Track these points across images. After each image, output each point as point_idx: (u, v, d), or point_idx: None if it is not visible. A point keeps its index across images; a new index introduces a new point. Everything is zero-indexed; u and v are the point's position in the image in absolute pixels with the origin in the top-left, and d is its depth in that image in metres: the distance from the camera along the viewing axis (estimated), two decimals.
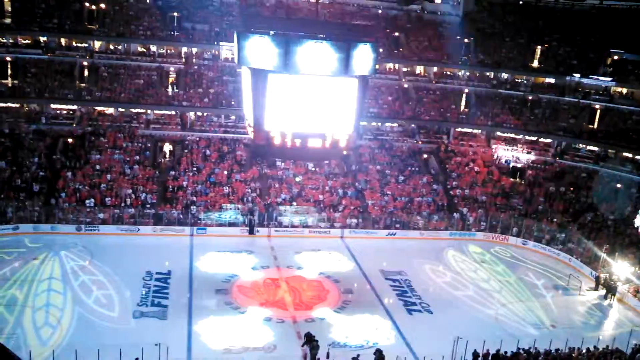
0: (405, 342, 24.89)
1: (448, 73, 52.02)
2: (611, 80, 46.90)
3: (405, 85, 50.69)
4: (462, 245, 38.11)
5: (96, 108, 43.43)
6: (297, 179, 41.42)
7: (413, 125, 48.85)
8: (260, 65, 25.57)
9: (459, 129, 49.32)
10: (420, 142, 48.10)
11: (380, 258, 34.43)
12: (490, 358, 21.41)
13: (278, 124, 26.97)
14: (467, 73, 51.55)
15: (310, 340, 22.63)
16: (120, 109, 43.56)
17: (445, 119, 48.79)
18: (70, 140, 40.24)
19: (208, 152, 42.08)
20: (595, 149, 45.52)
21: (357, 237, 37.44)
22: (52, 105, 42.55)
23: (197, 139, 43.21)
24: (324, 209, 39.03)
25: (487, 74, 51.35)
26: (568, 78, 48.49)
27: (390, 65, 51.37)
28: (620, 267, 32.29)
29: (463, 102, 50.17)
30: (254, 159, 42.25)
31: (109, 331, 23.66)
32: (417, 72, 52.40)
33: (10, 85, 41.85)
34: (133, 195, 36.90)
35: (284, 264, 32.56)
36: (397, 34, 52.59)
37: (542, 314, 28.97)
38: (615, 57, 48.09)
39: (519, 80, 51.12)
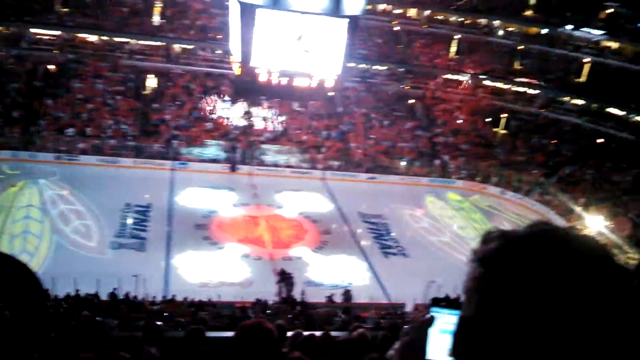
0: (380, 284, 25.44)
1: (440, 18, 51.17)
2: (603, 34, 46.48)
3: (396, 28, 49.89)
4: (442, 192, 38.45)
5: (78, 35, 42.29)
6: (281, 118, 41.11)
7: (401, 69, 48.37)
8: None
9: (447, 76, 48.94)
10: (407, 87, 47.75)
11: (360, 201, 34.65)
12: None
13: (264, 61, 26.58)
14: (460, 19, 50.77)
15: (285, 277, 23.05)
16: (103, 37, 42.45)
17: (434, 64, 48.34)
18: (51, 67, 39.32)
19: (192, 86, 41.46)
20: (581, 102, 45.54)
21: (339, 179, 37.55)
22: (34, 30, 41.32)
23: (182, 72, 42.44)
24: (306, 150, 38.98)
25: (479, 21, 50.61)
26: (560, 29, 47.97)
27: (381, 6, 50.33)
28: (593, 221, 32.92)
29: (453, 49, 49.62)
30: (239, 96, 41.71)
31: (87, 261, 23.85)
32: (409, 15, 51.47)
33: None
34: (114, 126, 36.46)
35: (264, 202, 32.72)
36: None
37: None
38: (610, 11, 47.53)
39: (511, 30, 50.51)
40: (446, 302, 1.31)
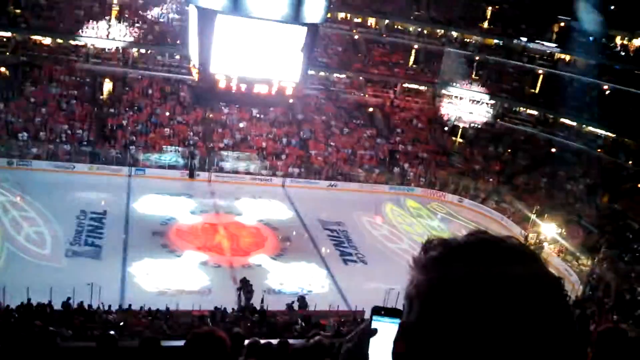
0: (339, 291, 25.48)
1: (399, 27, 51.81)
2: (556, 47, 47.80)
3: (356, 37, 50.27)
4: (401, 199, 38.81)
5: (32, 37, 41.23)
6: (241, 125, 40.88)
7: (361, 77, 48.74)
8: (208, 4, 24.77)
9: (406, 85, 49.54)
10: (366, 95, 48.12)
11: (320, 208, 34.67)
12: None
13: (224, 67, 26.41)
14: (418, 29, 51.49)
15: (245, 286, 22.88)
16: (58, 40, 41.49)
17: (393, 73, 48.87)
18: (3, 69, 38.24)
19: (150, 92, 40.88)
20: (535, 112, 46.69)
21: (299, 187, 37.50)
22: None
23: (140, 77, 41.79)
24: (266, 157, 38.85)
25: (438, 31, 51.42)
26: (515, 41, 49.11)
27: (341, 15, 50.65)
28: (547, 228, 33.71)
29: (412, 58, 50.29)
30: (198, 102, 41.31)
31: (40, 269, 23.20)
32: (369, 23, 51.95)
33: None
34: (69, 131, 35.65)
35: (224, 210, 32.45)
36: None
37: None
38: (562, 24, 48.92)
39: (468, 40, 51.45)
40: (386, 311, 1.35)
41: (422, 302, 1.12)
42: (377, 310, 1.35)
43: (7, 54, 39.61)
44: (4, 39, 40.67)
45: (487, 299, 1.04)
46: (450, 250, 1.16)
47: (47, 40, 41.48)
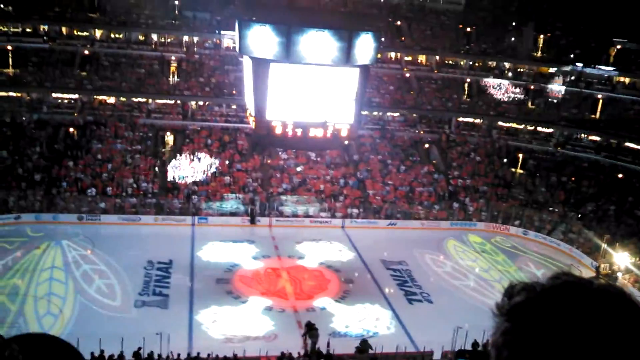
0: (406, 332, 25.01)
1: (450, 62, 51.81)
2: (614, 70, 46.66)
3: (407, 75, 50.50)
4: (463, 235, 38.06)
5: (97, 97, 43.40)
6: (299, 169, 41.36)
7: (414, 114, 48.72)
8: (261, 54, 25.59)
9: (461, 119, 49.16)
10: (421, 132, 47.95)
11: (381, 248, 34.42)
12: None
13: (279, 114, 27.01)
14: (470, 62, 51.33)
15: (310, 330, 22.77)
16: (121, 98, 43.51)
17: (447, 108, 48.63)
18: (71, 129, 40.24)
19: (209, 142, 42.03)
20: (597, 139, 45.35)
21: (358, 227, 37.41)
22: (54, 94, 42.57)
23: (199, 128, 43.13)
24: (325, 199, 39.02)
25: (490, 63, 51.09)
26: (570, 67, 48.24)
27: (392, 54, 51.15)
28: (620, 257, 32.31)
29: (465, 92, 50.00)
30: (255, 149, 42.19)
31: (111, 320, 23.83)
32: (419, 61, 52.18)
33: (11, 74, 41.79)
34: (134, 185, 36.94)
35: (285, 254, 32.62)
36: (399, 22, 52.31)
37: None
38: (619, 47, 47.82)
39: (522, 70, 50.87)
40: (471, 355, 1.33)
41: (510, 350, 1.08)
42: (462, 354, 1.35)
43: (75, 114, 41.73)
44: (72, 101, 42.98)
45: (579, 346, 1.00)
46: (535, 295, 1.12)
47: (111, 99, 43.55)
